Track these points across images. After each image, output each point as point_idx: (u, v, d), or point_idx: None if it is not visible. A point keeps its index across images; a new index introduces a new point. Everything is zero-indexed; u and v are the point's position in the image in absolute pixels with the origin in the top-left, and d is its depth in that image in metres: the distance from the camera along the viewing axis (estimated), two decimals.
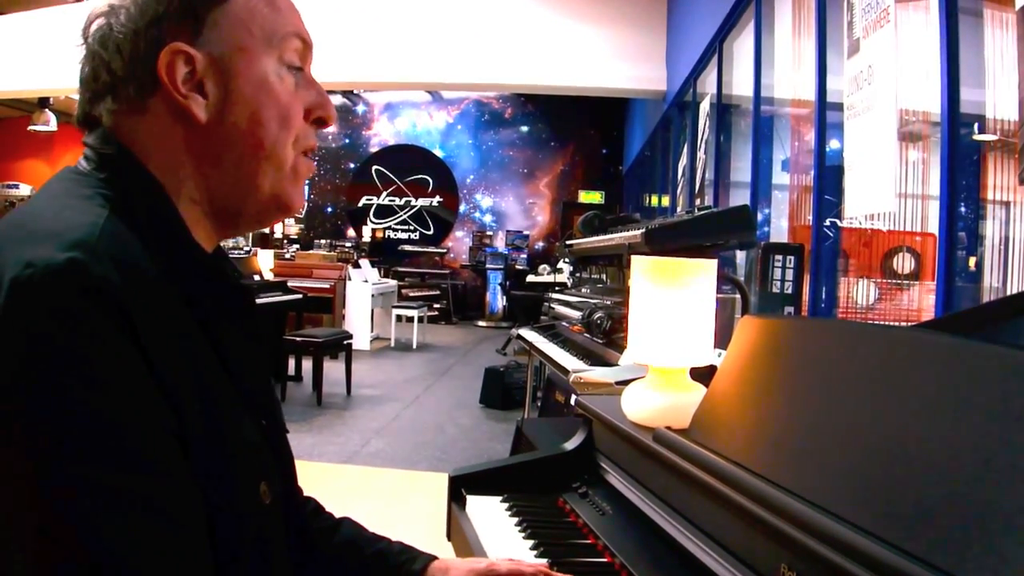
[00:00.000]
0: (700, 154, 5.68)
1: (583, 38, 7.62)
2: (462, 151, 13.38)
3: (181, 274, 0.68)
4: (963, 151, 2.76)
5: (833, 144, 3.28)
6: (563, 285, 6.13)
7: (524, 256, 12.54)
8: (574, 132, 13.05)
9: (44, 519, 0.53)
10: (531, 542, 1.09)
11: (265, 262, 6.64)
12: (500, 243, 12.85)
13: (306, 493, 0.95)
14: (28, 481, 0.54)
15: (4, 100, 10.57)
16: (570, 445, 1.31)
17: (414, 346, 8.70)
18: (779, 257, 2.57)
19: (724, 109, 5.28)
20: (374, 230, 13.01)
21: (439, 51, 7.83)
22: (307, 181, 0.79)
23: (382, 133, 13.60)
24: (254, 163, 0.72)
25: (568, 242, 3.81)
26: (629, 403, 1.17)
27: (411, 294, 10.95)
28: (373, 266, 9.12)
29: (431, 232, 13.23)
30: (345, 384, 5.88)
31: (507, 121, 13.36)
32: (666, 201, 7.52)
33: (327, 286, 8.06)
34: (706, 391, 1.05)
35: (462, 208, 13.34)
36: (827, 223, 3.33)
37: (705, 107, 5.66)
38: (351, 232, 13.23)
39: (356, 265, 8.94)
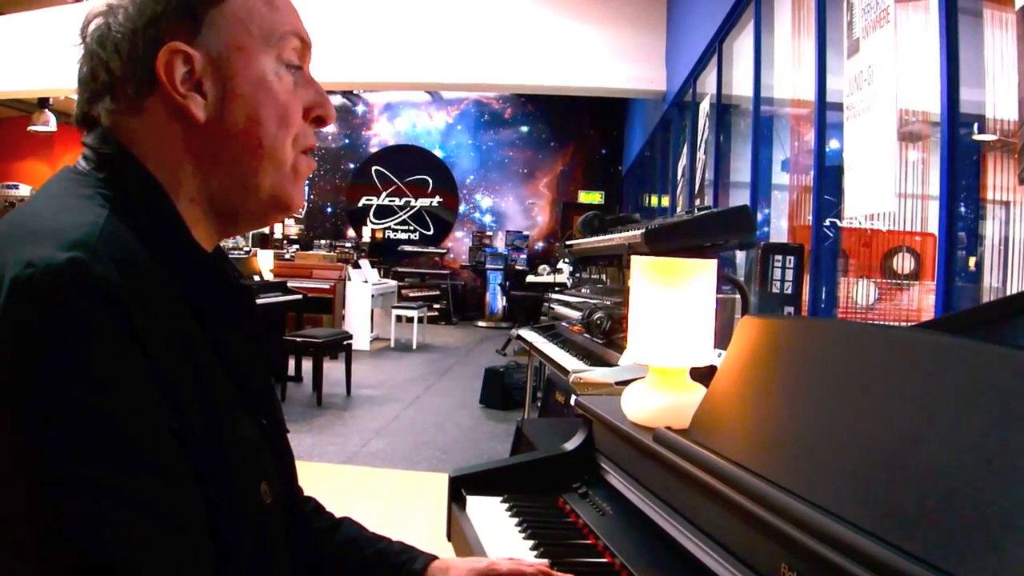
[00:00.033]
0: (700, 154, 5.68)
1: (583, 38, 7.62)
2: (462, 151, 13.38)
3: (181, 273, 0.68)
4: (963, 151, 2.76)
5: (833, 144, 3.28)
6: (563, 285, 6.14)
7: (524, 256, 12.54)
8: (574, 132, 13.05)
9: (44, 519, 0.53)
10: (531, 542, 1.09)
11: (265, 262, 6.64)
12: (500, 243, 12.85)
13: (306, 493, 0.95)
14: (28, 481, 0.54)
15: (4, 100, 10.57)
16: (570, 445, 1.31)
17: (414, 346, 8.70)
18: (779, 257, 2.57)
19: (724, 109, 5.28)
20: (374, 230, 13.01)
21: (439, 51, 7.83)
22: (307, 181, 0.79)
23: (382, 133, 13.60)
24: (253, 162, 0.72)
25: (568, 242, 3.81)
26: (629, 403, 1.17)
27: (411, 294, 10.95)
28: (373, 266, 9.12)
29: (431, 232, 13.23)
30: (345, 384, 5.88)
31: (507, 121, 13.36)
32: (666, 201, 7.52)
33: (327, 286, 8.06)
34: (706, 391, 1.05)
35: (462, 208, 13.34)
36: (827, 223, 3.33)
37: (705, 107, 5.66)
38: (351, 232, 13.24)
39: (356, 265, 8.93)
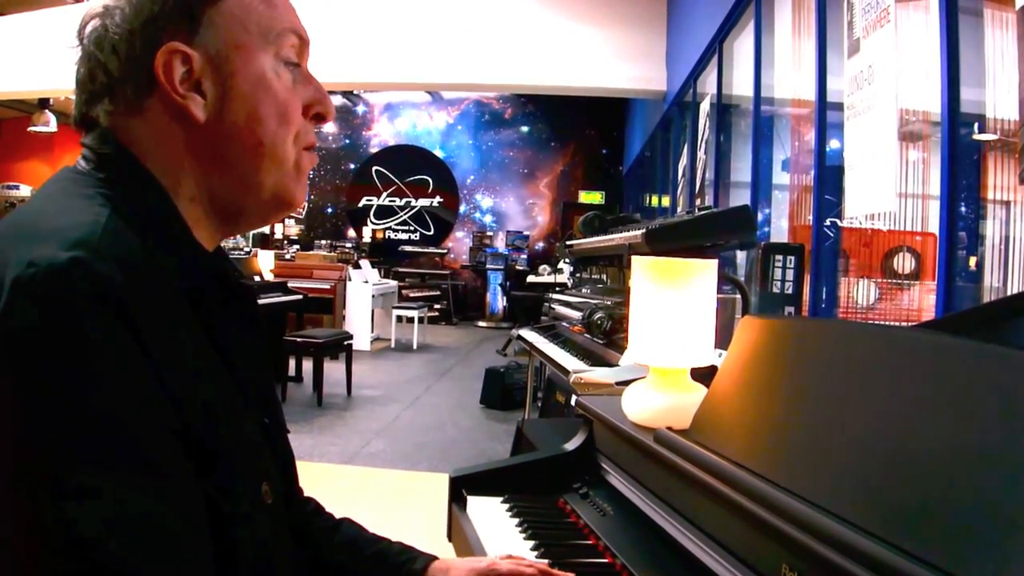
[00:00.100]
0: (700, 154, 5.68)
1: (583, 38, 7.62)
2: (462, 151, 13.38)
3: (182, 273, 0.68)
4: (963, 151, 2.75)
5: (833, 144, 3.28)
6: (563, 285, 6.13)
7: (524, 256, 12.54)
8: (574, 132, 13.05)
9: (44, 519, 0.53)
10: (532, 543, 1.09)
11: (265, 263, 6.64)
12: (500, 243, 12.85)
13: (306, 494, 0.95)
14: (29, 481, 0.54)
15: (4, 101, 10.58)
16: (571, 446, 1.31)
17: (414, 347, 8.70)
18: (779, 257, 2.57)
19: (724, 109, 5.28)
20: (374, 231, 13.01)
21: (439, 51, 7.83)
22: (307, 181, 0.78)
23: (382, 133, 13.60)
24: (255, 160, 0.72)
25: (568, 242, 3.81)
26: (630, 404, 1.17)
27: (411, 295, 10.94)
28: (373, 267, 9.12)
29: (431, 233, 13.23)
30: (345, 385, 5.88)
31: (507, 121, 13.36)
32: (666, 201, 7.52)
33: (327, 287, 8.06)
34: (707, 391, 1.05)
35: (462, 208, 13.34)
36: (827, 223, 3.33)
37: (705, 107, 5.66)
38: (351, 233, 13.24)
39: (356, 266, 8.94)
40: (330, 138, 13.37)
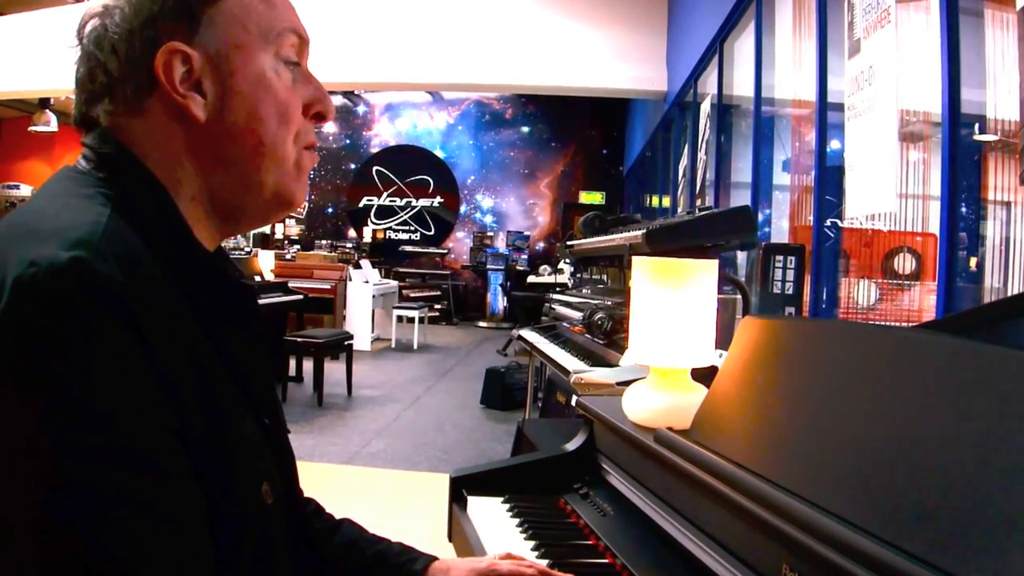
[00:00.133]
0: (701, 154, 5.68)
1: (583, 38, 7.62)
2: (463, 152, 13.38)
3: (183, 272, 0.68)
4: (964, 151, 2.76)
5: (834, 144, 3.28)
6: (564, 286, 6.13)
7: (525, 257, 12.53)
8: (575, 133, 13.05)
9: (44, 519, 0.53)
10: (532, 543, 1.09)
11: (266, 263, 6.64)
12: (501, 244, 12.85)
13: (307, 494, 0.95)
14: (28, 480, 0.54)
15: (5, 100, 10.58)
16: (571, 446, 1.31)
17: (415, 347, 8.70)
18: (780, 257, 2.57)
19: (725, 109, 5.28)
20: (375, 231, 13.01)
21: (440, 52, 7.83)
22: (308, 182, 0.78)
23: (383, 134, 13.61)
24: (255, 160, 0.72)
25: (569, 243, 3.81)
26: (630, 404, 1.17)
27: (412, 295, 10.94)
28: (374, 267, 9.12)
29: (432, 233, 13.23)
30: (346, 385, 5.88)
31: (508, 122, 13.36)
32: (667, 202, 7.52)
33: (328, 287, 8.06)
34: (707, 392, 1.05)
35: (463, 209, 13.34)
36: (828, 223, 3.33)
37: (706, 107, 5.66)
38: (352, 233, 13.24)
39: (357, 266, 8.94)
40: (331, 138, 13.37)
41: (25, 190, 12.13)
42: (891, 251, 3.62)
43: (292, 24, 0.75)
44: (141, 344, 0.58)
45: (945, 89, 2.29)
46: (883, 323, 3.44)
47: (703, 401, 1.04)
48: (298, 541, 0.87)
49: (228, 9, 0.71)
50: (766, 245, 2.69)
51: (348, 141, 13.59)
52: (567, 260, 5.16)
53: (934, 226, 3.02)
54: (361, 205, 13.37)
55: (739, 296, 2.32)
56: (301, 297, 6.29)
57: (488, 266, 11.89)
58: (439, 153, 13.39)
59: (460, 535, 1.20)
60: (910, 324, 2.95)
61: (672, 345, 1.11)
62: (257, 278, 6.20)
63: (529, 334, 3.66)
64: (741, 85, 4.97)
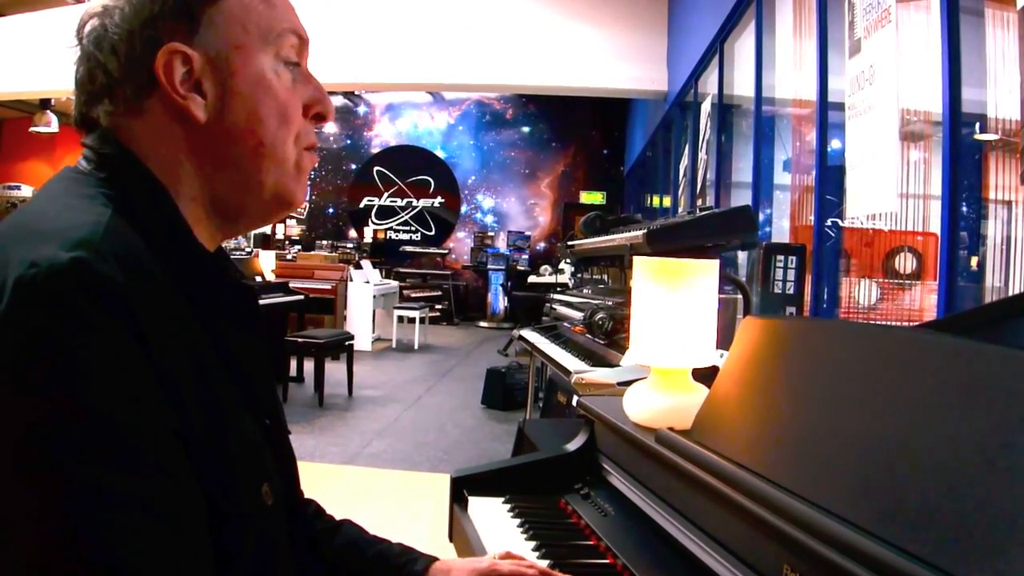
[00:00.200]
0: (701, 154, 5.68)
1: (584, 38, 7.62)
2: (463, 152, 13.39)
3: (184, 273, 0.68)
4: (965, 151, 2.75)
5: (834, 144, 3.28)
6: (564, 286, 6.14)
7: (526, 257, 12.54)
8: (575, 133, 13.05)
9: (44, 519, 0.53)
10: (533, 543, 1.09)
11: (266, 263, 6.64)
12: (501, 244, 12.85)
13: (308, 494, 0.95)
14: (29, 480, 0.54)
15: (5, 101, 10.59)
16: (572, 446, 1.31)
17: (415, 347, 8.70)
18: (781, 257, 2.57)
19: (725, 109, 5.28)
20: (375, 231, 13.02)
21: (440, 52, 7.83)
22: (308, 182, 0.78)
23: (383, 134, 13.61)
24: (256, 160, 0.72)
25: (570, 243, 3.81)
26: (631, 404, 1.17)
27: (412, 295, 10.94)
28: (374, 267, 9.13)
29: (432, 233, 13.23)
30: (347, 385, 5.88)
31: (508, 122, 13.36)
32: (668, 202, 7.52)
33: (328, 287, 8.07)
34: (708, 392, 1.05)
35: (463, 209, 13.35)
36: (829, 223, 3.33)
37: (706, 107, 5.66)
38: (352, 233, 13.25)
39: (358, 266, 8.94)
40: (331, 138, 13.37)
41: (26, 191, 12.13)
42: (892, 251, 3.62)
43: (292, 25, 0.75)
44: (142, 344, 0.58)
45: (946, 88, 2.29)
46: (884, 323, 3.44)
47: (704, 401, 1.04)
48: (298, 542, 0.87)
49: (228, 9, 0.71)
50: (767, 245, 2.68)
51: (349, 141, 13.60)
52: (568, 260, 5.17)
53: (935, 225, 3.02)
54: (362, 205, 13.37)
55: (740, 296, 2.31)
56: (302, 297, 6.29)
57: (489, 266, 11.89)
58: (440, 153, 13.40)
59: (461, 535, 1.20)
60: (911, 324, 2.95)
61: (673, 345, 1.11)
62: (258, 278, 6.20)
63: (530, 334, 3.66)
64: (742, 85, 4.97)
